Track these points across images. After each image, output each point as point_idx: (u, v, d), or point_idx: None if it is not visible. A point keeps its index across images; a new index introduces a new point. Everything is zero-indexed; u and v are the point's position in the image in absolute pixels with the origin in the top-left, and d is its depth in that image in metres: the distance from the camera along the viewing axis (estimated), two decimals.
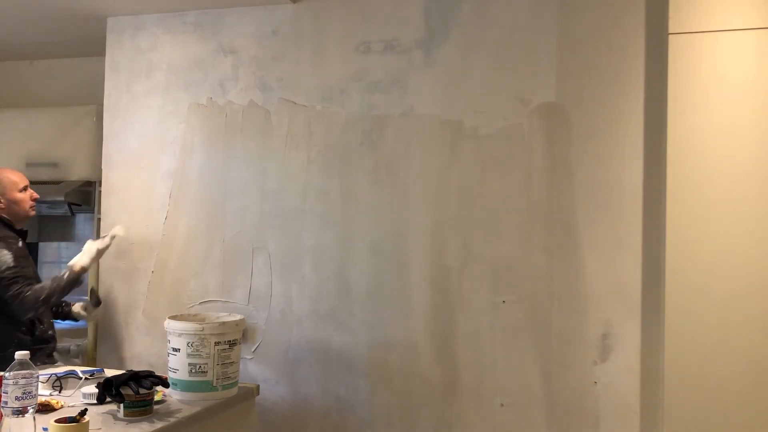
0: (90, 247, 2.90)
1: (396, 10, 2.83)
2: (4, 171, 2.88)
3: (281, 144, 2.96)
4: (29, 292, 2.68)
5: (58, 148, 3.67)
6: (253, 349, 2.96)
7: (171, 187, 3.11)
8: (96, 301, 3.06)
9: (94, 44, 3.42)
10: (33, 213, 2.92)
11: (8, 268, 2.68)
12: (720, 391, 2.45)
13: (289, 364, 2.92)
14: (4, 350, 2.57)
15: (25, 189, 2.87)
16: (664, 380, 2.50)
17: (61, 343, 3.19)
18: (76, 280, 2.79)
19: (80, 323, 3.20)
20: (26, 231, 2.92)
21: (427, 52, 2.79)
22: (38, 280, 2.85)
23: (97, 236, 3.27)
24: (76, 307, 3.05)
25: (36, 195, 2.92)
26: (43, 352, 2.82)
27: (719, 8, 2.54)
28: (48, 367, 2.72)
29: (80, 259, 2.84)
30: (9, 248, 2.73)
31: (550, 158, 2.63)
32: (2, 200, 2.81)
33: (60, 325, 3.12)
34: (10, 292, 2.66)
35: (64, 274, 2.77)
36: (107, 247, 2.95)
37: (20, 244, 2.82)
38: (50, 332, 2.89)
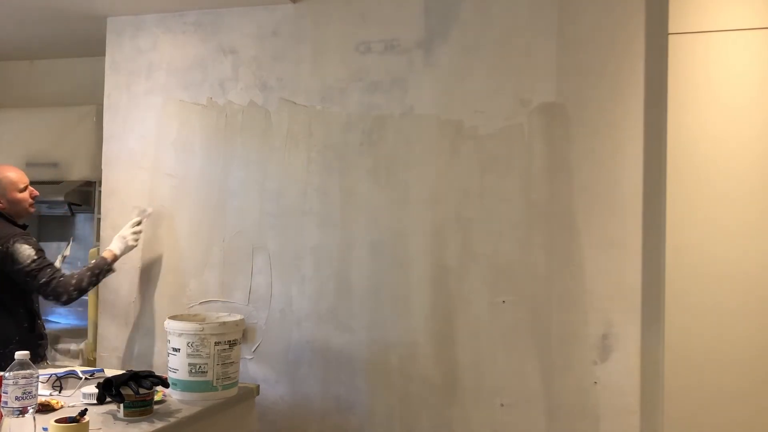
0: (123, 233, 2.89)
1: (396, 10, 2.83)
2: (4, 170, 2.83)
3: (281, 144, 2.96)
4: (62, 277, 2.67)
5: (58, 148, 3.67)
6: (253, 349, 2.96)
7: (171, 187, 3.11)
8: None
9: (94, 44, 3.42)
10: (33, 210, 2.89)
11: (33, 261, 2.65)
12: (720, 391, 2.45)
13: (289, 364, 2.92)
14: (5, 346, 2.57)
15: (24, 189, 2.83)
16: (664, 380, 2.50)
17: (62, 344, 3.18)
18: (104, 267, 2.79)
19: (81, 323, 3.18)
20: (27, 226, 2.90)
21: (427, 52, 2.79)
22: None
23: (97, 237, 3.26)
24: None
25: (36, 192, 2.89)
26: (42, 348, 2.81)
27: (719, 8, 2.54)
28: (44, 367, 2.71)
29: (112, 245, 2.85)
30: (27, 242, 2.70)
31: (550, 158, 2.63)
32: (2, 200, 2.78)
33: (60, 325, 3.12)
34: (43, 279, 2.63)
35: (92, 263, 2.77)
36: (140, 231, 2.94)
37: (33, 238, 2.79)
38: (44, 330, 2.87)
